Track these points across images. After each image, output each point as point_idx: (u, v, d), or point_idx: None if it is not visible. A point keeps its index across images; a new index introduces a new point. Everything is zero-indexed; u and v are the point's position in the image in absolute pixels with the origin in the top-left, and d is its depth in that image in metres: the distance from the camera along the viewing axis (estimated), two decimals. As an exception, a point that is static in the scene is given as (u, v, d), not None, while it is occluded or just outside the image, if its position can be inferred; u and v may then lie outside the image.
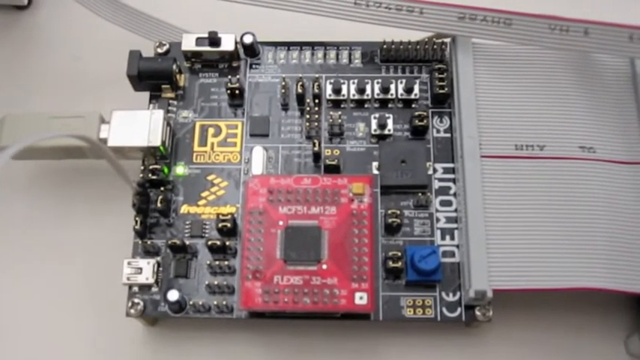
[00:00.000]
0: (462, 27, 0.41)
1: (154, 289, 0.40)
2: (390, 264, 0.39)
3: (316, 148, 0.42)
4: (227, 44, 0.44)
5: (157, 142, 0.42)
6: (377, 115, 0.43)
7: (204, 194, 0.42)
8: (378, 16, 0.43)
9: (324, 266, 0.38)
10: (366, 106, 0.44)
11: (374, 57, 0.45)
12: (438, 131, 0.43)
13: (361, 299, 0.38)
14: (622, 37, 0.39)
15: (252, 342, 0.42)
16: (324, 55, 0.45)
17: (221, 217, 0.41)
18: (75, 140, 0.39)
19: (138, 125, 0.42)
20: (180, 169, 0.43)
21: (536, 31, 0.40)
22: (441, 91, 0.43)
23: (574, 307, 0.42)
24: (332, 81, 0.44)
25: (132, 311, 0.40)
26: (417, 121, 0.42)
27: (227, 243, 0.40)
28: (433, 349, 0.42)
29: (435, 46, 0.44)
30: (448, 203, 0.42)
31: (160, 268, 0.41)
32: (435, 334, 0.42)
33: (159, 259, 0.41)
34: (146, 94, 0.45)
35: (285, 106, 0.44)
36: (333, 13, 0.43)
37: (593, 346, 0.42)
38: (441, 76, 0.43)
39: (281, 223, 0.39)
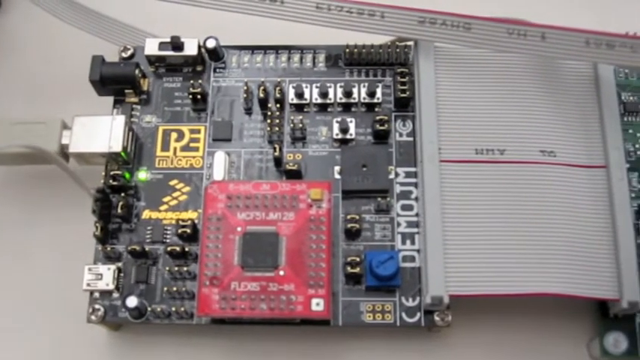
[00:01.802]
0: (423, 31, 0.41)
1: (115, 294, 0.41)
2: (349, 269, 0.39)
3: (277, 153, 0.42)
4: (190, 49, 0.44)
5: (118, 148, 0.42)
6: (339, 119, 0.43)
7: (166, 199, 0.42)
8: (339, 20, 0.43)
9: (282, 272, 0.38)
10: (329, 110, 0.44)
11: (338, 60, 0.45)
12: (401, 135, 0.43)
13: (317, 305, 0.38)
14: (578, 42, 0.39)
15: (216, 347, 0.42)
16: (288, 58, 0.45)
17: (181, 222, 0.41)
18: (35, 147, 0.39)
19: (99, 131, 0.42)
20: (142, 174, 0.43)
21: (494, 35, 0.40)
22: (403, 95, 0.43)
23: (539, 311, 0.42)
24: (294, 85, 0.43)
25: (92, 317, 0.40)
26: (378, 126, 0.42)
27: (187, 249, 0.40)
28: (396, 353, 0.42)
29: (398, 50, 0.44)
30: (409, 207, 0.41)
31: (121, 274, 0.41)
32: (398, 338, 0.42)
33: (120, 264, 0.41)
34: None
35: (248, 111, 0.44)
36: (295, 17, 0.43)
37: (557, 350, 0.42)
38: (403, 79, 0.43)
39: (239, 229, 0.39)
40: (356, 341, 0.42)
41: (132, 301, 0.39)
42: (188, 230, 0.40)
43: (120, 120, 0.42)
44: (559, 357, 0.42)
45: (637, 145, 0.43)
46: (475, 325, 0.42)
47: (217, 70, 0.45)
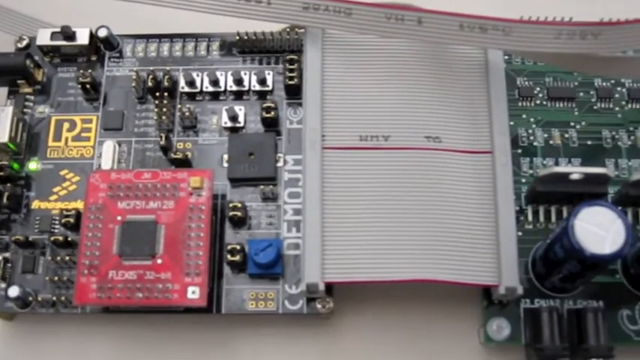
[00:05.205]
0: (307, 17, 0.41)
1: (2, 285, 0.41)
2: (229, 257, 0.39)
3: (163, 142, 0.42)
4: (81, 38, 0.44)
5: (5, 139, 0.42)
6: (227, 107, 0.43)
7: (56, 189, 0.42)
8: (227, 7, 0.42)
9: (159, 261, 0.38)
10: (221, 98, 0.44)
11: (232, 49, 0.45)
12: (292, 123, 0.43)
13: (193, 293, 0.38)
14: (453, 26, 0.38)
15: (107, 336, 0.42)
16: (183, 47, 0.45)
17: (64, 212, 0.41)
18: None
19: (-13, 122, 0.42)
20: (33, 165, 0.43)
21: (374, 20, 0.40)
22: (292, 82, 0.42)
23: (434, 298, 0.42)
24: (184, 73, 0.43)
25: (-22, 307, 0.40)
26: (264, 113, 0.42)
27: (70, 238, 0.40)
28: (284, 340, 0.42)
29: (289, 37, 0.43)
30: (296, 195, 0.41)
31: (9, 264, 0.41)
32: (287, 325, 0.42)
33: (7, 254, 0.41)
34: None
35: (140, 100, 0.44)
36: (184, 5, 0.43)
37: (450, 336, 0.42)
38: (291, 67, 0.43)
39: (119, 218, 0.39)
40: (243, 328, 0.42)
41: (13, 291, 0.39)
42: (71, 220, 0.40)
43: (8, 111, 0.42)
44: (452, 343, 0.42)
45: (530, 131, 0.43)
46: (367, 312, 0.42)
47: (112, 59, 0.45)
